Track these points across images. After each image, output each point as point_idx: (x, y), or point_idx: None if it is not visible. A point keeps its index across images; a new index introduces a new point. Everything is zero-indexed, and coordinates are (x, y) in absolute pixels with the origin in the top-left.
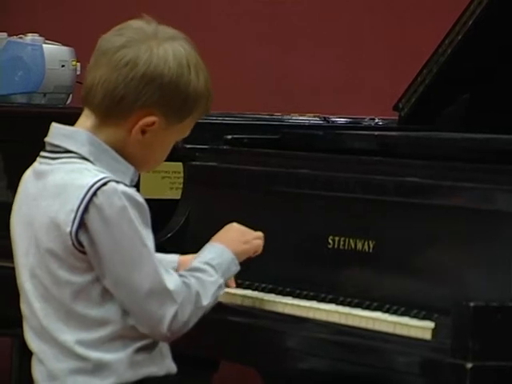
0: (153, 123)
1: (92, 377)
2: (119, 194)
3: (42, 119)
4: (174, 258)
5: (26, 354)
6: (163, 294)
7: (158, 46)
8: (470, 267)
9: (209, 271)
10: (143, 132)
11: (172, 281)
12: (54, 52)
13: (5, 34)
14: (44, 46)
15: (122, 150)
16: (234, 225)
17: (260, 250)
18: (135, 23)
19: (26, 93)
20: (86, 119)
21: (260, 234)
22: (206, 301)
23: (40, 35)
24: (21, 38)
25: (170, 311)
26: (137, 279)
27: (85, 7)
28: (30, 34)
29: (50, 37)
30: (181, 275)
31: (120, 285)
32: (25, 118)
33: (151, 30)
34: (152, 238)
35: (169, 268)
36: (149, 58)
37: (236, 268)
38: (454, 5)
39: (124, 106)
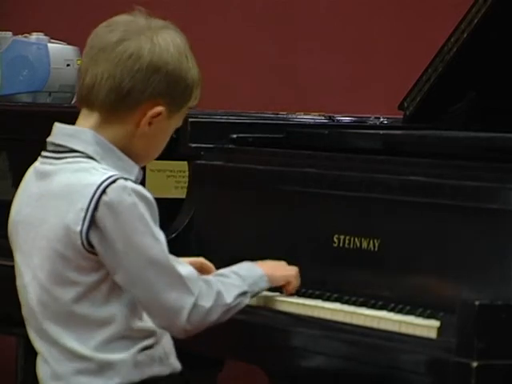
0: (159, 114)
1: (96, 377)
2: (129, 191)
3: (47, 118)
4: None
5: (32, 353)
6: (179, 285)
7: (157, 36)
8: (475, 266)
9: (232, 277)
10: (149, 123)
11: (186, 271)
12: (59, 51)
13: (10, 33)
14: (49, 45)
15: (127, 146)
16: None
17: (292, 280)
18: (122, 17)
19: (31, 92)
20: (87, 119)
21: (295, 268)
22: (229, 299)
23: (45, 34)
24: (26, 37)
25: (187, 302)
26: (152, 274)
27: (90, 6)
28: (34, 33)
29: (55, 36)
30: (203, 276)
31: (135, 280)
32: (30, 118)
33: (142, 21)
34: (162, 233)
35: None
36: (152, 48)
37: (265, 284)
38: (459, 3)
39: (131, 99)
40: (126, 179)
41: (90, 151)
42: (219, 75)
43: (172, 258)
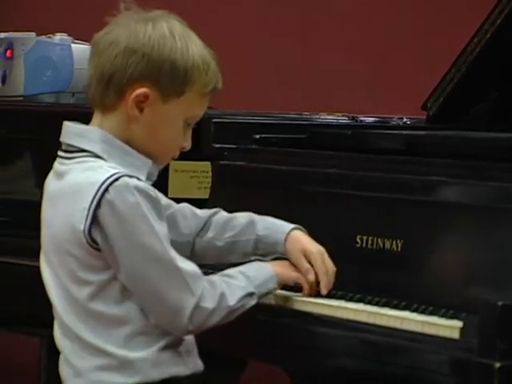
0: (146, 96)
1: (117, 374)
2: (131, 190)
3: (71, 119)
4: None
5: (55, 354)
6: (181, 284)
7: (136, 24)
8: (498, 266)
9: (239, 278)
10: (140, 109)
11: (189, 271)
12: (83, 52)
13: (33, 34)
14: (72, 45)
15: (129, 138)
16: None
17: (303, 283)
18: (123, 14)
19: (55, 92)
20: (95, 119)
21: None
22: (232, 302)
23: (68, 35)
24: (49, 37)
25: (189, 303)
26: (153, 273)
27: (114, 7)
28: (58, 34)
29: (79, 36)
30: (208, 275)
31: (136, 280)
32: (53, 118)
33: (135, 15)
34: (166, 230)
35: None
36: (128, 33)
37: (274, 285)
38: (482, 4)
39: (114, 85)
40: (130, 176)
41: (97, 150)
42: (241, 76)
43: (176, 256)
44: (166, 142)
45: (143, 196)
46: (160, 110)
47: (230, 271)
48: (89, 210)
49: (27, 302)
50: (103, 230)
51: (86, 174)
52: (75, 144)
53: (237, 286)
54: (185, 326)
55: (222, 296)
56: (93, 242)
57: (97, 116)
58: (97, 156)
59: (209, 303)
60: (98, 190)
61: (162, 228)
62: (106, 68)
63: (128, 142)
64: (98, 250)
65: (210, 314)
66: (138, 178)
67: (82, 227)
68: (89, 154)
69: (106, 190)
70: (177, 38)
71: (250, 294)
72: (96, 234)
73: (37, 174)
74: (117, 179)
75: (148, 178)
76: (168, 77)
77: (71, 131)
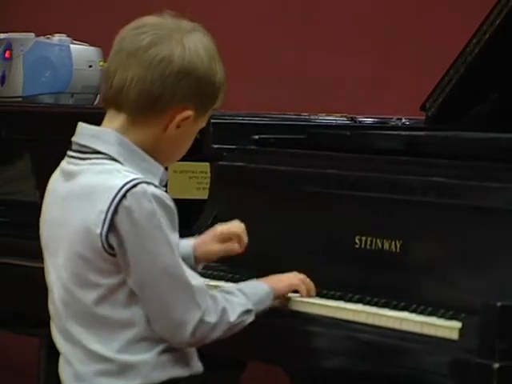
0: (188, 117)
1: (118, 378)
2: (149, 197)
3: (70, 119)
4: (188, 241)
5: (54, 355)
6: (189, 297)
7: (187, 39)
8: (497, 267)
9: (238, 295)
10: (178, 127)
11: (197, 284)
12: (82, 52)
13: (32, 35)
14: (71, 46)
15: (152, 148)
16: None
17: (299, 288)
18: (150, 19)
19: (54, 93)
20: (112, 120)
21: (301, 275)
22: (233, 317)
23: (67, 35)
24: (48, 38)
25: (194, 317)
26: (163, 283)
27: (112, 7)
28: (57, 35)
29: (78, 37)
30: (209, 291)
31: (145, 288)
32: (52, 119)
33: (171, 23)
34: (178, 241)
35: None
36: (182, 52)
37: (270, 302)
38: (481, 4)
39: (161, 103)
40: (148, 183)
41: (112, 153)
42: (240, 77)
43: (185, 269)
44: (182, 152)
45: (159, 204)
46: (191, 126)
47: (228, 288)
48: (106, 214)
49: (27, 302)
50: (119, 235)
51: (101, 176)
52: (89, 145)
53: (237, 302)
54: (187, 339)
55: (224, 311)
56: (109, 248)
57: (118, 119)
58: (112, 159)
59: (212, 318)
60: (116, 196)
61: (175, 238)
62: (156, 86)
63: (146, 150)
64: (113, 255)
65: (212, 329)
66: (156, 185)
67: (98, 231)
68: (104, 156)
69: (124, 195)
70: (216, 60)
71: (249, 311)
72: (113, 240)
73: (37, 175)
74: (135, 185)
75: (159, 184)
76: (207, 100)
77: (85, 132)
